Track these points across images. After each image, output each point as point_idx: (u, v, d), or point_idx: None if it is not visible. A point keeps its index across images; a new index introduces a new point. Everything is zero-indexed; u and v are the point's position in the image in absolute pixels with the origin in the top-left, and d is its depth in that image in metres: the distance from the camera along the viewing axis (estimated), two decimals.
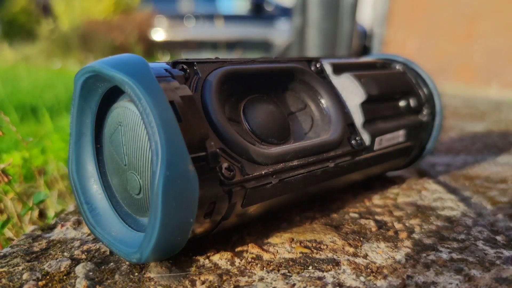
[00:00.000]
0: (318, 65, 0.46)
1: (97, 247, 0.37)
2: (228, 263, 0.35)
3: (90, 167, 0.36)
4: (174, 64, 0.35)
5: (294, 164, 0.37)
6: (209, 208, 0.31)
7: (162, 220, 0.28)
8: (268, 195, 0.36)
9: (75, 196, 0.36)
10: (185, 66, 0.35)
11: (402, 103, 0.52)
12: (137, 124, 0.31)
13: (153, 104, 0.27)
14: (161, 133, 0.27)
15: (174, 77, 0.33)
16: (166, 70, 0.33)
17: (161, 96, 0.28)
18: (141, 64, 0.30)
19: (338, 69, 0.47)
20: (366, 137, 0.45)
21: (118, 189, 0.36)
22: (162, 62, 0.35)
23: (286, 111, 0.43)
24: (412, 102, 0.53)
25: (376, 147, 0.46)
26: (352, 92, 0.46)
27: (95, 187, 0.36)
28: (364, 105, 0.45)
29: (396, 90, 0.51)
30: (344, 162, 0.42)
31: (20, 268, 0.34)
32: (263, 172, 0.35)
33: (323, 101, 0.44)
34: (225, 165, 0.32)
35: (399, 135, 0.49)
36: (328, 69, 0.47)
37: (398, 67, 0.56)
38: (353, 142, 0.43)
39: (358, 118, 0.45)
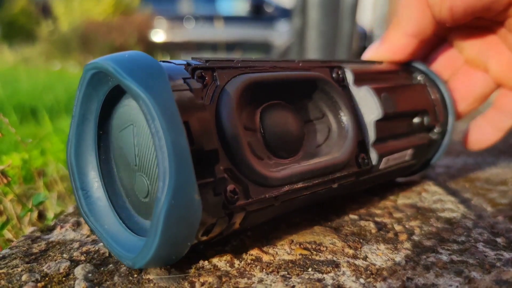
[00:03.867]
0: (340, 73, 0.43)
1: (96, 248, 0.37)
2: (228, 264, 0.34)
3: (90, 153, 0.36)
4: (193, 70, 0.32)
5: (298, 186, 0.36)
6: (207, 228, 0.31)
7: (160, 243, 0.27)
8: (267, 215, 0.36)
9: (71, 180, 0.35)
10: (203, 73, 0.32)
11: (416, 120, 0.50)
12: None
13: (167, 128, 0.26)
14: (172, 162, 0.26)
15: (192, 90, 0.30)
16: (184, 79, 0.31)
17: (177, 118, 0.26)
18: (158, 73, 0.28)
19: (360, 79, 0.44)
20: (374, 156, 0.43)
21: (127, 186, 0.35)
22: (178, 63, 0.32)
23: (303, 119, 0.41)
24: (426, 120, 0.50)
25: (381, 166, 0.44)
26: (369, 107, 0.43)
27: (92, 174, 0.36)
28: (379, 123, 0.43)
29: (414, 108, 0.49)
30: (348, 182, 0.41)
31: (19, 269, 0.34)
32: (266, 196, 0.33)
33: (341, 113, 0.42)
34: (230, 187, 0.31)
35: (406, 154, 0.48)
36: (350, 78, 0.44)
37: (419, 77, 0.53)
38: (360, 161, 0.42)
39: (369, 135, 0.43)
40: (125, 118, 0.33)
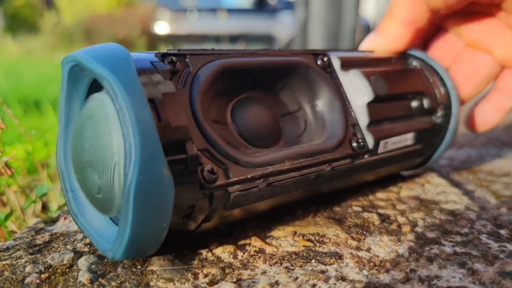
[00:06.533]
0: (325, 59, 0.43)
1: None
2: (231, 256, 0.35)
3: None
4: (163, 56, 0.32)
5: (285, 167, 0.35)
6: (187, 211, 0.30)
7: (133, 224, 0.27)
8: (254, 199, 0.34)
9: (61, 182, 0.35)
10: (174, 59, 0.32)
11: (414, 103, 0.49)
12: (107, 121, 0.29)
13: (130, 102, 0.26)
14: (136, 135, 0.26)
15: (159, 71, 0.31)
16: (151, 63, 0.31)
17: (140, 93, 0.27)
18: (123, 57, 0.28)
19: (347, 65, 0.44)
20: (369, 139, 0.42)
21: (81, 184, 0.34)
22: (151, 53, 0.33)
23: (278, 113, 0.40)
24: (426, 103, 0.49)
25: (380, 150, 0.43)
26: (359, 90, 0.43)
27: None
28: (371, 105, 0.43)
29: (409, 90, 0.48)
30: (342, 166, 0.40)
31: (23, 260, 0.34)
32: (249, 176, 0.33)
33: (322, 101, 0.41)
34: (207, 167, 0.30)
35: (407, 138, 0.47)
36: (336, 64, 0.43)
37: (415, 63, 0.52)
38: (354, 144, 0.41)
39: (363, 118, 0.42)
40: (86, 114, 0.32)
